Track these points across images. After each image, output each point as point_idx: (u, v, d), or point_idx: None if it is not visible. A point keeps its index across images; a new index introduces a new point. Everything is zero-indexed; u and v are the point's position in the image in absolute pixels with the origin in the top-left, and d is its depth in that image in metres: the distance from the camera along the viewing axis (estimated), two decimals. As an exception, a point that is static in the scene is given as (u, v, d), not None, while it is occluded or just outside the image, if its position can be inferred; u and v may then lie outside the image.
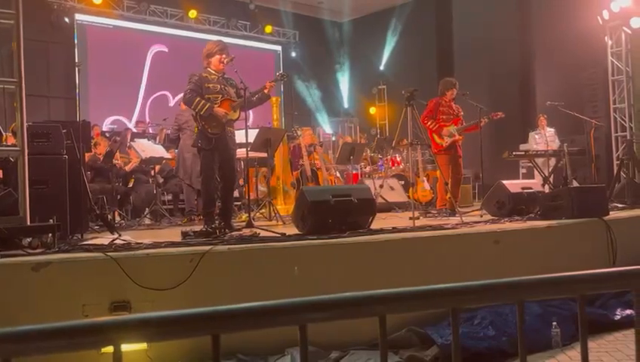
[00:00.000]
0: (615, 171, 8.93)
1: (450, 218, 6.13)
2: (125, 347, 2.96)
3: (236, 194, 8.37)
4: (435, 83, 7.45)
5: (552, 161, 9.01)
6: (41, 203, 4.10)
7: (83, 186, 4.90)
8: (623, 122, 10.02)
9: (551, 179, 8.29)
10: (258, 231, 4.67)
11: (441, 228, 4.98)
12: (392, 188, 8.65)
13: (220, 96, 5.08)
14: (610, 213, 5.87)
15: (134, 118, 12.69)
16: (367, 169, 10.22)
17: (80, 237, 4.53)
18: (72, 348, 0.86)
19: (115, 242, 3.99)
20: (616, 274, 1.22)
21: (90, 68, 11.92)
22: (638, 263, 1.38)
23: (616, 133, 10.11)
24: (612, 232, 5.38)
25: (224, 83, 5.18)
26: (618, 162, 9.28)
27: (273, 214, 6.48)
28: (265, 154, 6.39)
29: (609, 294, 4.89)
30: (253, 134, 5.96)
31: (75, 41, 12.17)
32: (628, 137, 9.56)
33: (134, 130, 10.87)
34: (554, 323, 4.18)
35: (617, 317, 4.60)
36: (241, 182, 7.88)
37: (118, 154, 7.96)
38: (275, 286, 3.78)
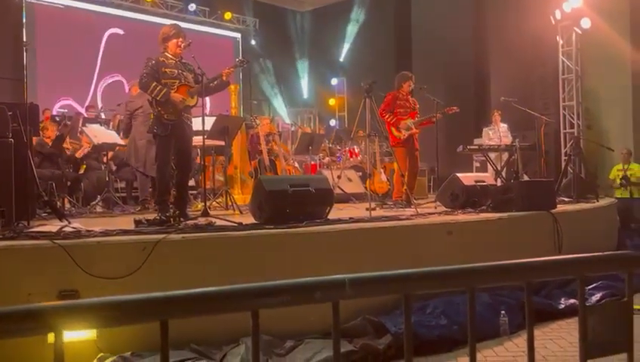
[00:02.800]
0: (563, 166, 9.29)
1: (406, 209, 6.22)
2: (73, 337, 2.86)
3: (192, 182, 8.23)
4: (394, 76, 7.52)
5: (505, 156, 9.27)
6: (-16, 188, 3.91)
7: (30, 172, 4.70)
8: (571, 119, 10.41)
9: (503, 173, 8.53)
10: (214, 220, 4.60)
11: (396, 218, 5.05)
12: (349, 180, 8.70)
13: (177, 81, 4.95)
14: (558, 206, 6.11)
15: (86, 103, 12.25)
16: (326, 160, 10.24)
17: (26, 224, 4.35)
18: (7, 335, 0.81)
19: (63, 229, 3.85)
20: (562, 261, 1.26)
21: (39, 49, 11.42)
22: (583, 253, 1.43)
23: (565, 129, 10.50)
24: (559, 224, 5.60)
25: (182, 68, 5.06)
26: (566, 158, 9.65)
27: (230, 203, 6.41)
28: (222, 143, 6.30)
29: (553, 284, 5.09)
30: (210, 122, 5.86)
31: (24, 21, 11.63)
32: (575, 134, 9.95)
33: (86, 115, 10.50)
34: (502, 313, 4.32)
35: (561, 306, 4.80)
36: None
37: (68, 140, 7.68)
38: (231, 276, 3.73)
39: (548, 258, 1.22)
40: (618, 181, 9.20)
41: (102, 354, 3.33)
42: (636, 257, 1.35)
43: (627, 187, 8.87)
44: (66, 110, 11.54)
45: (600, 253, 1.28)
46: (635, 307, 4.08)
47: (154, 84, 4.82)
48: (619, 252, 1.44)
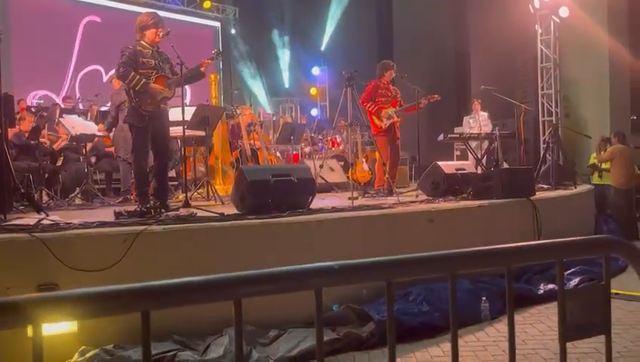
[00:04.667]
0: (541, 154, 9.41)
1: (388, 198, 6.26)
2: (54, 330, 2.81)
3: (173, 173, 8.15)
4: (375, 64, 7.52)
5: (485, 144, 9.36)
6: (-42, 181, 3.82)
7: (6, 164, 4.61)
8: (549, 107, 10.54)
9: (483, 161, 8.61)
10: (195, 210, 4.57)
11: (378, 207, 5.07)
12: (331, 169, 8.71)
13: (155, 72, 4.87)
14: (537, 193, 6.20)
15: (63, 93, 12.02)
16: (308, 149, 10.22)
17: (3, 217, 4.26)
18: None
19: (41, 222, 3.79)
20: (540, 246, 1.28)
21: (13, 38, 11.14)
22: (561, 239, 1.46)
23: (544, 117, 10.62)
24: (538, 211, 5.69)
25: (158, 58, 4.97)
26: (544, 145, 9.78)
27: (211, 194, 6.37)
28: (203, 133, 6.24)
29: (533, 270, 5.19)
30: (190, 112, 5.80)
31: (-4, 9, 11.34)
32: (554, 122, 10.07)
33: (63, 105, 10.30)
34: (483, 299, 4.39)
35: (541, 292, 4.89)
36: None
37: (45, 132, 7.53)
38: (213, 267, 3.72)
39: (526, 243, 1.24)
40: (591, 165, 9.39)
41: (84, 347, 3.30)
42: (612, 241, 1.37)
43: (601, 173, 9.03)
44: (42, 101, 11.32)
45: (577, 238, 1.31)
46: (612, 291, 4.18)
47: (132, 74, 4.74)
48: (595, 236, 1.47)
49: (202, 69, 5.07)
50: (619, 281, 4.96)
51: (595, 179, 9.11)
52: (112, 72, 8.33)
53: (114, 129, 7.07)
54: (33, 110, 8.94)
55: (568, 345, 1.39)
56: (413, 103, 7.02)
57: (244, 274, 0.94)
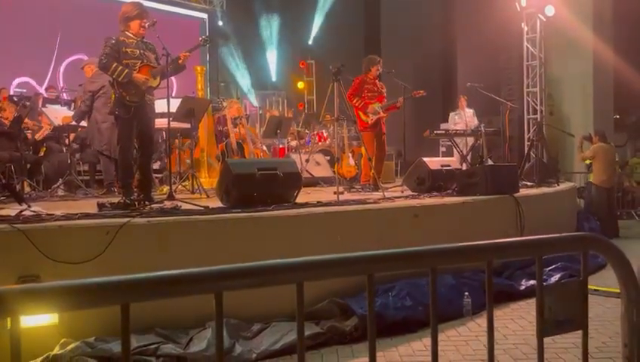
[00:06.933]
0: (526, 151, 9.50)
1: (373, 193, 6.28)
2: (34, 322, 2.79)
3: (157, 165, 8.08)
4: (362, 59, 7.52)
5: (470, 140, 9.43)
6: (-63, 170, 3.76)
7: (-14, 154, 4.54)
8: (534, 105, 10.63)
9: (468, 158, 8.67)
10: (180, 203, 4.54)
11: (364, 202, 5.09)
12: (317, 163, 8.71)
13: (139, 61, 4.81)
14: (520, 190, 6.26)
15: (46, 82, 11.84)
16: (294, 143, 10.20)
17: (-17, 208, 4.21)
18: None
19: (23, 213, 3.75)
20: (520, 242, 1.30)
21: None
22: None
23: (529, 115, 10.72)
24: (521, 208, 5.75)
25: (143, 47, 4.91)
26: (529, 143, 9.87)
27: (196, 187, 6.34)
28: (188, 125, 6.20)
29: (515, 266, 5.25)
30: (175, 104, 5.75)
31: (-24, -5, 11.11)
32: (538, 120, 10.17)
33: (46, 95, 10.15)
34: (466, 294, 4.43)
35: (522, 287, 4.96)
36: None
37: (28, 121, 7.41)
38: (197, 261, 3.71)
39: (506, 239, 1.26)
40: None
41: (65, 339, 3.27)
42: (591, 238, 1.40)
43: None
44: (24, 90, 11.13)
45: (556, 235, 1.33)
46: (591, 287, 4.24)
47: (114, 65, 4.68)
48: (574, 233, 1.49)
49: (180, 61, 4.98)
50: (600, 277, 5.04)
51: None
52: (86, 58, 8.11)
53: (87, 121, 6.91)
54: (15, 99, 8.79)
55: (548, 340, 1.41)
56: (391, 102, 7.02)
57: (224, 268, 0.94)
